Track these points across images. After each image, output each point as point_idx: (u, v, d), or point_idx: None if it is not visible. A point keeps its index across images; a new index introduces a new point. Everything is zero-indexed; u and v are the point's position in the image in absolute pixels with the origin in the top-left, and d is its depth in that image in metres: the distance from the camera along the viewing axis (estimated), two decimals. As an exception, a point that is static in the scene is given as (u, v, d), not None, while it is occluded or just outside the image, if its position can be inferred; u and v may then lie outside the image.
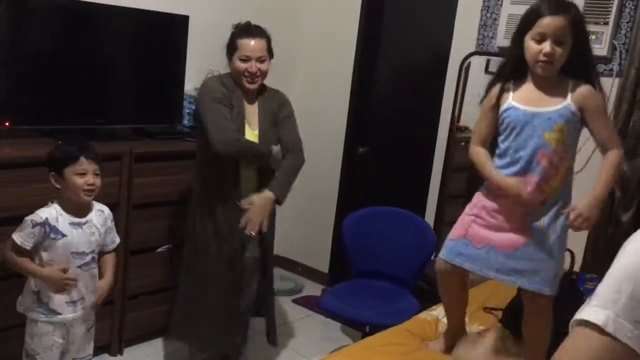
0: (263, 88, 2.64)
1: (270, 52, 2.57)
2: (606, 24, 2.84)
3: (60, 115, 2.82)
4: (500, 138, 2.05)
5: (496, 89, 2.05)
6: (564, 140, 1.94)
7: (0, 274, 2.36)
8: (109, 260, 2.37)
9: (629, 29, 2.83)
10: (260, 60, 2.51)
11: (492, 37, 3.22)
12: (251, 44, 2.50)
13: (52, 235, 2.14)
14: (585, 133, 2.04)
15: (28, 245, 2.13)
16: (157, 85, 3.14)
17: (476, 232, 2.07)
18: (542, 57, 1.90)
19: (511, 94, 2.01)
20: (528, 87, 2.00)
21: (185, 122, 3.26)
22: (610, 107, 2.83)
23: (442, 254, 2.15)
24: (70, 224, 2.17)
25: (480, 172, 2.09)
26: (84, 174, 2.14)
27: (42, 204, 2.21)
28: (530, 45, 1.92)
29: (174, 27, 3.12)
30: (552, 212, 1.99)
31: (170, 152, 2.98)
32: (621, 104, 2.78)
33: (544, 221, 1.99)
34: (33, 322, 2.21)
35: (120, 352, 2.97)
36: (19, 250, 2.15)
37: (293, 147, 2.63)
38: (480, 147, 2.11)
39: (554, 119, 1.93)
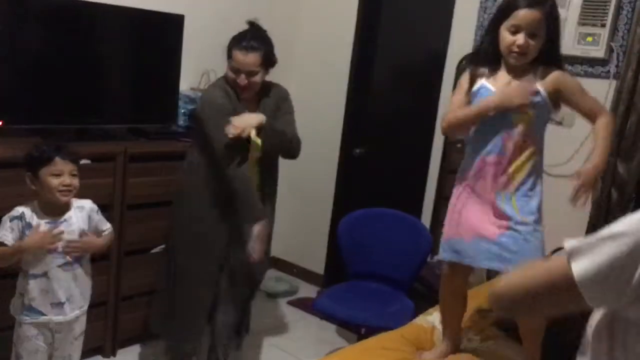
0: (263, 85, 2.60)
1: (267, 63, 2.50)
2: (603, 26, 2.84)
3: (54, 115, 2.80)
4: None
5: (467, 76, 2.12)
6: (530, 123, 2.01)
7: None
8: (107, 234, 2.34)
9: (626, 31, 2.83)
10: (250, 74, 2.46)
11: (489, 39, 3.21)
12: (242, 58, 2.44)
13: (27, 233, 2.12)
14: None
15: (8, 239, 2.11)
16: (152, 85, 3.12)
17: (465, 226, 2.11)
18: (515, 49, 1.97)
19: (484, 78, 2.08)
20: (500, 73, 2.07)
21: (181, 122, 3.25)
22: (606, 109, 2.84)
23: (440, 256, 2.21)
24: (45, 223, 2.15)
25: (467, 118, 2.08)
26: (60, 175, 2.11)
27: (30, 202, 2.19)
28: (505, 36, 1.99)
29: (169, 26, 3.10)
30: (522, 194, 2.04)
31: (165, 152, 2.97)
32: (618, 107, 2.78)
33: (517, 205, 2.04)
34: (19, 325, 2.20)
35: (114, 354, 2.95)
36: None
37: (291, 140, 2.65)
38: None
39: None
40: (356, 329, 3.08)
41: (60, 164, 2.11)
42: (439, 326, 2.42)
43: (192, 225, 2.59)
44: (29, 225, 2.12)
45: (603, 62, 2.88)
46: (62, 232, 2.15)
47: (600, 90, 2.86)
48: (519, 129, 2.01)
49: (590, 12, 2.86)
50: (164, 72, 3.14)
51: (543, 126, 2.08)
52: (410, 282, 3.08)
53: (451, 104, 2.17)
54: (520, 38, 1.94)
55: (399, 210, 3.22)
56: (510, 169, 2.03)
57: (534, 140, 2.05)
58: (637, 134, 2.76)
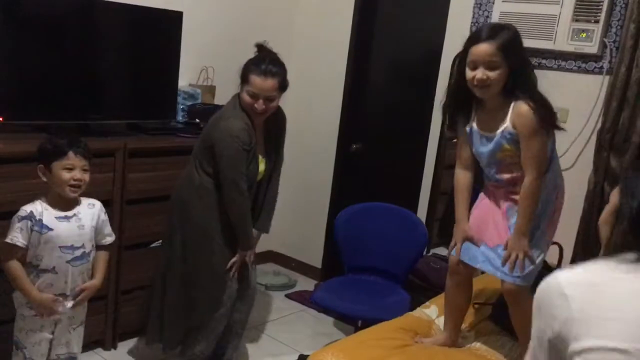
0: None
1: (282, 87, 2.50)
2: (597, 22, 2.86)
3: (54, 111, 2.82)
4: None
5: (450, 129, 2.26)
6: (515, 155, 2.06)
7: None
8: (102, 259, 2.34)
9: (619, 27, 2.86)
10: (268, 99, 2.45)
11: (485, 35, 3.24)
12: (261, 83, 2.42)
13: (36, 228, 2.13)
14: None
15: (19, 240, 2.12)
16: (151, 81, 3.14)
17: (475, 232, 2.22)
18: (475, 83, 2.00)
19: (473, 115, 2.14)
20: (482, 110, 2.13)
21: (179, 118, 3.27)
22: (600, 104, 2.88)
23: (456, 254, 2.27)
24: (56, 217, 2.17)
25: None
26: (72, 169, 2.13)
27: (37, 198, 2.21)
28: (467, 72, 2.03)
29: (168, 23, 3.12)
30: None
31: (164, 148, 2.99)
32: (611, 102, 2.81)
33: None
34: (22, 317, 2.22)
35: (114, 347, 2.99)
36: (12, 252, 2.13)
37: (280, 169, 2.77)
38: (462, 171, 2.25)
39: (498, 142, 2.07)
40: (353, 321, 3.12)
41: (73, 159, 2.13)
42: (437, 320, 2.45)
43: (204, 243, 2.61)
44: (39, 222, 2.13)
45: (596, 58, 2.91)
46: (61, 312, 2.20)
47: (594, 86, 2.90)
48: (506, 162, 2.09)
49: (584, 9, 2.88)
50: (163, 68, 3.16)
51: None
52: (406, 275, 3.11)
53: (457, 146, 2.29)
54: (478, 72, 1.98)
55: (395, 205, 3.25)
56: (514, 195, 2.11)
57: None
58: (630, 129, 2.79)
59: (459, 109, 2.16)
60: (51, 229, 2.15)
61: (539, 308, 1.17)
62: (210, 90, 3.45)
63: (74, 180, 2.14)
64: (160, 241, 2.98)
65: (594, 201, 2.90)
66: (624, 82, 2.77)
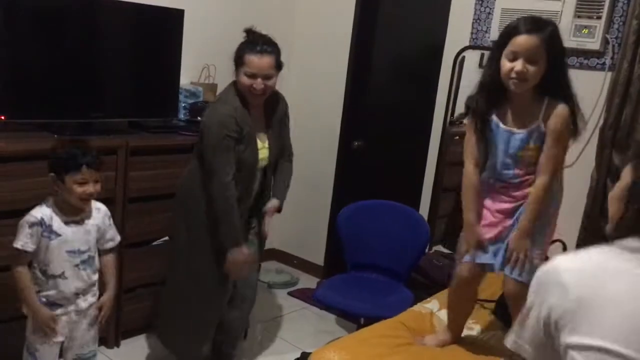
0: None
1: (278, 66, 2.49)
2: (599, 18, 2.86)
3: (55, 109, 2.82)
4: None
5: (471, 119, 2.12)
6: (537, 156, 2.02)
7: (2, 264, 2.35)
8: (110, 267, 2.33)
9: (621, 23, 2.85)
10: (266, 77, 2.44)
11: (486, 32, 3.24)
12: (258, 62, 2.40)
13: (46, 234, 2.12)
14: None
15: (30, 246, 2.11)
16: (153, 79, 3.14)
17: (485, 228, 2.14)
18: (513, 75, 1.95)
19: (494, 112, 2.07)
20: (508, 105, 2.06)
21: (181, 116, 3.28)
22: (602, 101, 2.87)
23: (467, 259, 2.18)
24: (65, 222, 2.16)
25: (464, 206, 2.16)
26: (84, 183, 2.11)
27: (39, 197, 2.21)
28: (504, 63, 1.97)
29: (170, 20, 3.12)
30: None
31: (165, 146, 3.00)
32: (613, 98, 2.80)
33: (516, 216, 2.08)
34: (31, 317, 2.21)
35: (117, 345, 3.00)
36: (22, 258, 2.12)
37: (290, 154, 2.75)
38: (474, 169, 2.13)
39: (525, 140, 2.02)
40: (355, 319, 3.12)
41: (86, 173, 2.11)
42: (437, 312, 2.46)
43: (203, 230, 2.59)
44: (49, 229, 2.12)
45: (599, 54, 2.90)
46: (56, 332, 2.19)
47: (596, 82, 2.89)
48: (526, 162, 2.03)
49: (586, 5, 2.88)
50: (165, 66, 3.16)
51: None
52: (408, 273, 3.11)
53: (467, 139, 2.17)
54: (518, 64, 1.92)
55: (398, 202, 3.25)
56: (516, 194, 2.08)
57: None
58: (632, 125, 2.78)
59: (491, 105, 2.07)
60: (59, 235, 2.14)
61: (538, 289, 1.17)
62: (212, 88, 3.45)
63: (86, 194, 2.12)
64: (162, 239, 2.99)
65: (597, 198, 2.90)
66: (627, 78, 2.76)
